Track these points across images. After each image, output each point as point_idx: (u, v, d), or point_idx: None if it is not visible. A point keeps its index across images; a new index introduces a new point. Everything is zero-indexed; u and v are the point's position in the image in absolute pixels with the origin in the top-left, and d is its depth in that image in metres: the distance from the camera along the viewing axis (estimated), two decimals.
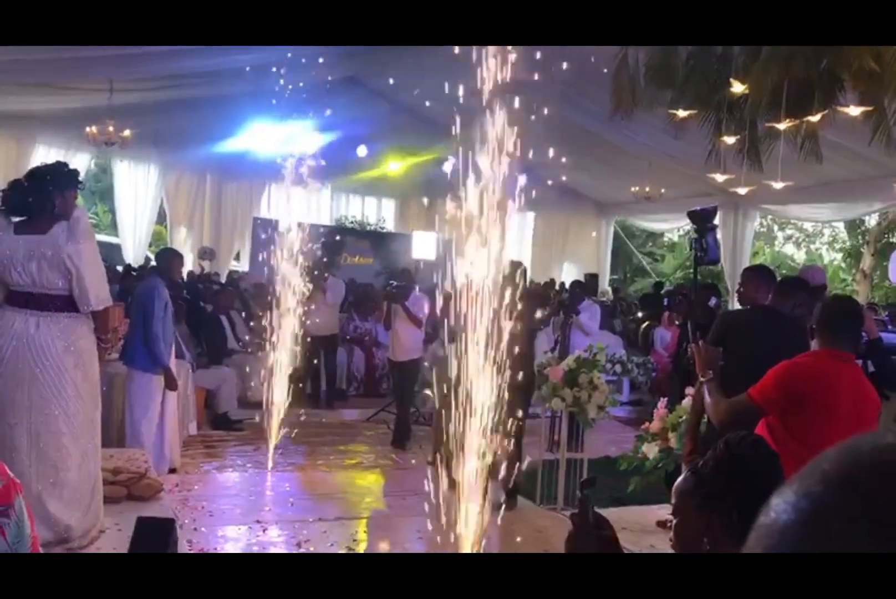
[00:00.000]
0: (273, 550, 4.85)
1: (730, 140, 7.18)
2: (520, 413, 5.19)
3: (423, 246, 10.86)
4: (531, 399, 6.01)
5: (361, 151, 13.69)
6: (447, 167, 3.90)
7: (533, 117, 3.86)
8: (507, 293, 3.89)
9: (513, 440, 4.81)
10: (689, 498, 1.86)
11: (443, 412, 4.04)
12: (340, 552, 4.85)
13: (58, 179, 3.94)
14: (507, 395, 3.95)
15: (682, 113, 7.05)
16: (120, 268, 12.42)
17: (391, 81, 10.25)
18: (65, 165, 4.09)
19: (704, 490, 1.84)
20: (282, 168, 7.35)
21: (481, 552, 4.05)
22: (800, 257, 25.42)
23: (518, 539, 4.82)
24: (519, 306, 3.99)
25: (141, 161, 13.86)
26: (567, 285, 12.45)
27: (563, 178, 11.82)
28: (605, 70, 7.16)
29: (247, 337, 9.47)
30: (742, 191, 8.92)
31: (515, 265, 5.58)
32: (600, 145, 11.95)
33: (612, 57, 6.99)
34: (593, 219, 17.07)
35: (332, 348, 9.65)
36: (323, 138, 9.88)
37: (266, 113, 10.95)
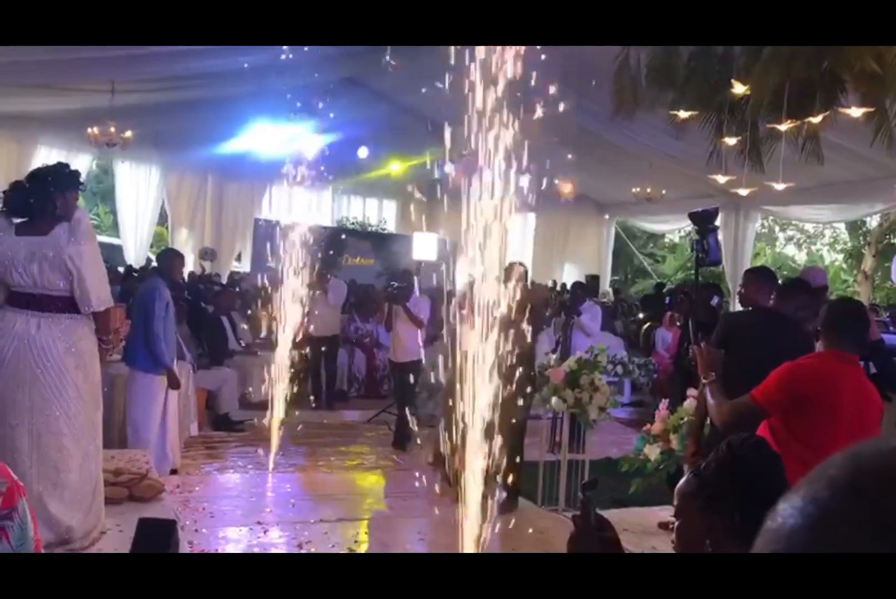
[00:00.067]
0: (274, 551, 4.85)
1: (731, 141, 7.18)
2: (520, 415, 5.19)
3: (424, 247, 10.85)
4: (531, 400, 6.01)
5: (362, 152, 13.70)
6: (448, 168, 3.90)
7: (534, 118, 3.86)
8: (508, 294, 3.89)
9: (514, 441, 4.82)
10: (691, 500, 1.86)
11: (446, 413, 4.03)
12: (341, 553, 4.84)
13: (59, 180, 3.94)
14: (507, 395, 3.95)
15: (683, 114, 7.05)
16: (121, 269, 12.43)
17: (392, 83, 10.26)
18: (66, 166, 4.09)
19: (707, 492, 1.83)
20: (283, 169, 7.36)
21: (482, 553, 4.05)
22: (801, 258, 25.43)
23: (519, 541, 4.81)
24: (519, 308, 3.98)
25: (142, 162, 13.88)
26: (568, 287, 12.45)
27: (560, 180, 11.83)
28: (607, 71, 7.16)
29: (248, 338, 9.48)
30: (743, 192, 8.93)
31: (516, 266, 5.59)
32: (601, 146, 11.95)
33: (614, 57, 6.99)
34: (594, 220, 17.08)
35: (333, 350, 9.65)
36: (324, 139, 9.91)
37: (267, 114, 10.98)
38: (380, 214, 16.46)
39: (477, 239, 3.82)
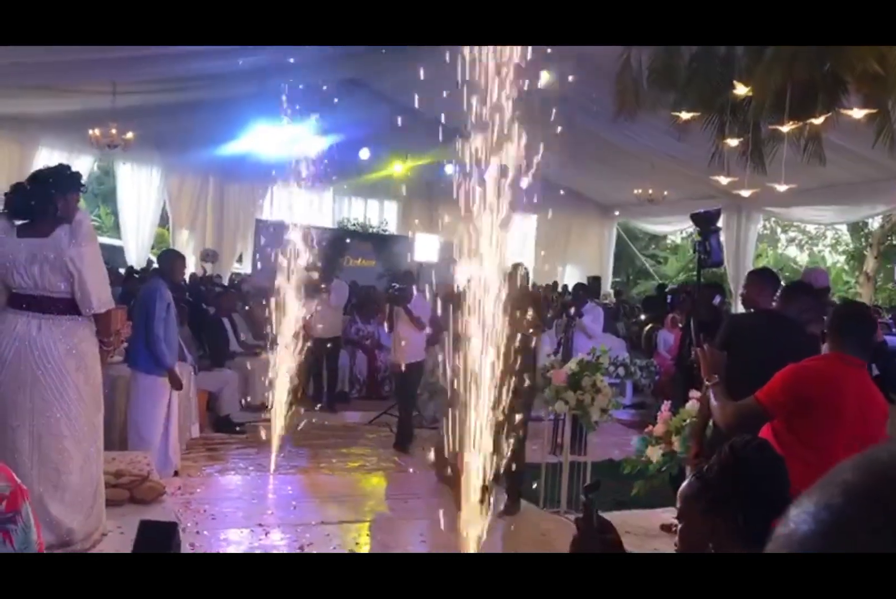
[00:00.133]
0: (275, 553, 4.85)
1: (733, 142, 7.17)
2: (522, 416, 5.18)
3: (425, 248, 10.85)
4: (533, 402, 6.00)
5: (364, 153, 13.71)
6: (449, 170, 3.90)
7: (535, 119, 3.86)
8: (510, 296, 3.88)
9: (515, 443, 4.80)
10: (694, 503, 1.86)
11: (448, 414, 4.03)
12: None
13: (60, 182, 3.94)
14: (509, 397, 3.94)
15: (685, 115, 7.05)
16: (122, 270, 12.44)
17: (393, 84, 10.26)
18: (67, 167, 4.09)
19: (709, 495, 1.83)
20: (284, 170, 7.36)
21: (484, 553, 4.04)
22: (803, 259, 25.43)
23: (521, 543, 4.81)
24: (521, 309, 3.98)
25: (144, 164, 13.89)
26: (570, 288, 12.45)
27: (565, 183, 11.83)
28: (609, 72, 7.16)
29: (249, 339, 9.47)
30: (745, 193, 8.93)
31: (518, 268, 5.59)
32: (603, 147, 11.96)
33: (616, 59, 6.99)
34: (596, 221, 17.08)
35: (334, 351, 9.65)
36: (325, 141, 9.91)
37: (268, 115, 10.98)
38: (381, 215, 16.46)
39: (478, 241, 3.81)
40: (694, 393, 5.19)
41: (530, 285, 7.10)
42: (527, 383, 5.21)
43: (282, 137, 9.86)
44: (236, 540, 5.07)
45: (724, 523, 1.78)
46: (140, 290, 6.57)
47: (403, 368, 7.73)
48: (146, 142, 12.30)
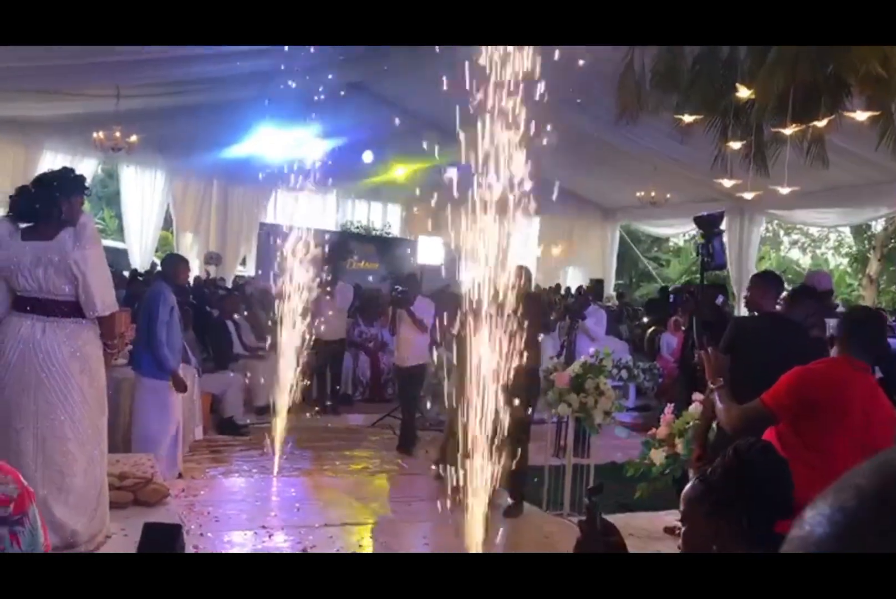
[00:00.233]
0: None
1: (736, 145, 7.17)
2: (525, 419, 5.18)
3: (428, 251, 10.86)
4: (536, 404, 6.00)
5: (367, 156, 13.72)
6: (452, 173, 3.91)
7: (538, 121, 3.86)
8: (513, 298, 3.89)
9: (518, 446, 4.80)
10: (697, 505, 1.86)
11: (452, 417, 4.03)
12: None
13: (64, 185, 3.95)
14: (512, 400, 3.94)
15: (687, 118, 7.05)
16: (126, 273, 12.45)
17: (397, 87, 10.27)
18: (71, 171, 4.10)
19: (713, 497, 1.83)
20: (288, 173, 7.36)
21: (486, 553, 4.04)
22: (805, 261, 25.41)
23: (524, 545, 4.80)
24: (524, 311, 3.98)
25: (147, 166, 13.90)
26: (573, 290, 12.45)
27: (567, 185, 11.81)
28: (611, 74, 7.16)
29: (253, 342, 9.47)
30: (748, 196, 8.92)
31: (520, 270, 5.59)
32: (606, 150, 11.96)
33: (618, 61, 6.99)
34: (599, 224, 17.07)
35: (339, 353, 9.65)
36: (329, 144, 9.92)
37: (272, 119, 11.01)
38: (384, 218, 16.46)
39: (480, 243, 3.82)
40: (697, 396, 5.19)
41: (533, 287, 7.10)
42: (530, 385, 5.22)
43: (285, 141, 9.89)
44: (240, 542, 5.07)
45: (728, 525, 1.79)
46: (145, 293, 6.58)
47: (406, 370, 7.73)
48: (150, 145, 12.32)
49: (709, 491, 1.85)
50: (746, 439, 2.00)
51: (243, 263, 15.75)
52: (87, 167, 12.31)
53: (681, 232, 17.33)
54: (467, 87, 3.77)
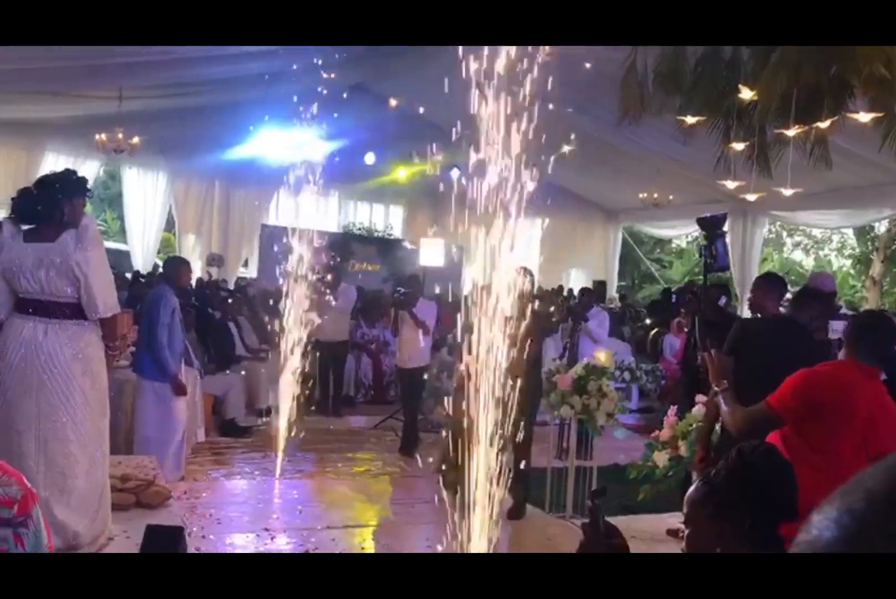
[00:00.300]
0: None
1: (739, 146, 7.16)
2: (527, 421, 5.17)
3: (430, 253, 10.85)
4: (539, 406, 5.99)
5: (369, 158, 13.71)
6: (454, 174, 3.90)
7: (538, 121, 3.85)
8: (515, 300, 3.88)
9: (521, 448, 4.79)
10: (701, 508, 1.85)
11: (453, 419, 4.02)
12: None
13: (66, 187, 3.95)
14: (514, 402, 3.93)
15: (690, 119, 7.04)
16: (128, 275, 12.46)
17: (398, 88, 10.27)
18: (73, 172, 4.11)
19: (717, 499, 1.82)
20: (290, 175, 7.36)
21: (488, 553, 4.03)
22: (808, 263, 25.37)
23: (527, 547, 4.79)
24: (526, 313, 3.97)
25: (150, 168, 13.91)
26: (575, 292, 12.43)
27: (570, 187, 11.80)
28: (614, 75, 7.15)
29: (255, 343, 9.48)
30: (751, 197, 8.90)
31: (523, 272, 5.58)
32: (608, 151, 11.95)
33: (621, 62, 6.98)
34: (601, 225, 17.06)
35: (341, 355, 9.65)
36: (331, 145, 9.92)
37: (274, 120, 11.00)
38: (386, 219, 16.46)
39: (483, 245, 3.81)
40: (700, 398, 5.18)
41: (535, 289, 7.09)
42: (532, 387, 5.20)
43: (288, 142, 9.88)
44: (242, 545, 5.07)
45: (732, 528, 1.78)
46: (147, 296, 6.58)
47: (408, 372, 7.73)
48: (152, 147, 12.32)
49: (712, 493, 1.84)
50: (750, 441, 1.99)
51: (245, 264, 15.75)
52: (90, 169, 12.32)
53: (683, 233, 17.31)
54: (469, 87, 3.76)
